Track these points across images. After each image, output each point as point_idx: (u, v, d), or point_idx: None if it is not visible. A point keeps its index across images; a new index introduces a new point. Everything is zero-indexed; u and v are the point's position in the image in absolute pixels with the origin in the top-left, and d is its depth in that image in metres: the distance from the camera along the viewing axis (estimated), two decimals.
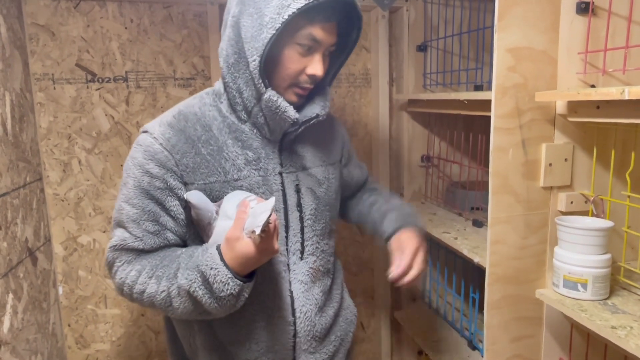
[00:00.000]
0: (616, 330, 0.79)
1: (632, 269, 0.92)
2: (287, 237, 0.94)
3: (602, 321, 0.82)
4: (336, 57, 0.97)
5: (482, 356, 1.35)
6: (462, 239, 1.29)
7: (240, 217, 0.79)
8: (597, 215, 0.98)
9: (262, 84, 0.84)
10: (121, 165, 1.54)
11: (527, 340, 1.06)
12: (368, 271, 1.84)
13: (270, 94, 0.85)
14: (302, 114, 0.92)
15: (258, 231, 0.74)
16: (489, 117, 1.00)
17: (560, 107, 0.96)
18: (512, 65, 0.94)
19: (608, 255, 0.90)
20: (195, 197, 0.84)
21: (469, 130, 1.59)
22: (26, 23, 1.40)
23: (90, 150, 1.51)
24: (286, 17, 0.79)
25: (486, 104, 1.17)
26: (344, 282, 1.14)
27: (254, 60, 0.82)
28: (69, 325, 1.56)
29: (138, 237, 0.86)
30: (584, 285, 0.90)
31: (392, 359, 1.88)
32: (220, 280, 0.78)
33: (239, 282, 0.79)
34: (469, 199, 1.54)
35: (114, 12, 1.48)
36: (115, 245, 0.87)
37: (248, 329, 0.94)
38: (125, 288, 0.87)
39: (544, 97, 0.92)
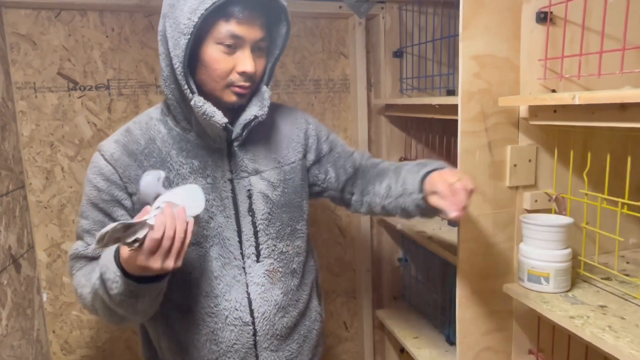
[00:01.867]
0: (574, 320, 0.84)
1: (592, 262, 0.98)
2: (240, 242, 0.97)
3: (562, 312, 0.87)
4: (272, 56, 0.97)
5: None
6: (437, 238, 1.34)
7: (134, 221, 0.76)
8: (560, 213, 1.04)
9: (189, 90, 0.86)
10: None
11: (498, 333, 1.11)
12: (350, 272, 1.88)
13: (195, 100, 0.86)
14: (241, 117, 0.93)
15: (127, 240, 0.73)
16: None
17: (523, 111, 1.02)
18: (477, 71, 1.00)
19: (569, 250, 0.95)
20: (143, 180, 0.83)
21: (443, 133, 1.64)
22: (7, 32, 1.42)
23: (72, 158, 1.53)
24: (196, 19, 0.81)
25: (453, 108, 1.22)
26: (315, 282, 1.15)
27: (177, 68, 0.84)
28: (53, 332, 1.57)
29: (90, 245, 0.93)
30: (547, 279, 0.95)
31: (375, 358, 1.93)
32: (109, 278, 0.81)
33: (128, 281, 0.79)
34: None
35: (95, 21, 1.50)
36: (72, 255, 0.95)
37: (206, 330, 0.97)
38: (77, 294, 0.93)
39: (507, 102, 0.98)
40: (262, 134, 1.01)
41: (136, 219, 0.76)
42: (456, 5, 1.57)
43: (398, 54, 1.70)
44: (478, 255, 1.06)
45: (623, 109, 0.76)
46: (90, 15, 1.49)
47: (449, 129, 1.65)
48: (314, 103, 1.76)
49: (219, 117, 0.87)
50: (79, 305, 1.59)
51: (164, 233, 0.75)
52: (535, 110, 0.97)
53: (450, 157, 1.53)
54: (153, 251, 0.75)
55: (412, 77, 1.68)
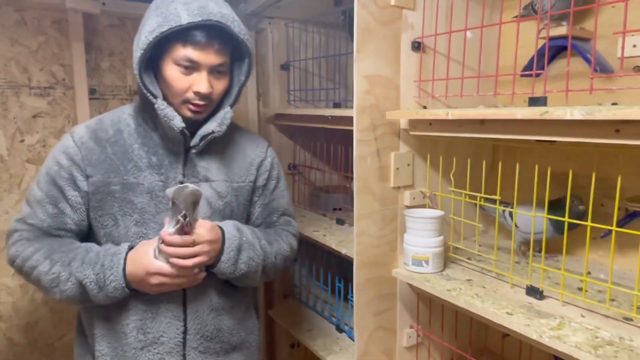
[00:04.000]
0: (451, 292, 1.04)
1: (458, 246, 1.21)
2: None
3: (440, 287, 1.07)
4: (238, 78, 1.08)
5: (349, 336, 1.56)
6: (329, 235, 1.49)
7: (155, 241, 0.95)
8: (432, 207, 1.26)
9: (151, 95, 0.97)
10: None
11: (386, 314, 1.29)
12: None
13: (159, 103, 0.97)
14: (200, 130, 1.04)
15: (189, 212, 0.90)
16: (347, 131, 1.20)
17: (403, 123, 1.22)
18: (368, 89, 1.16)
19: (441, 237, 1.17)
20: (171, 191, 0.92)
21: (329, 141, 1.81)
22: None
23: None
24: (152, 38, 0.92)
25: (346, 120, 1.39)
26: (253, 294, 1.23)
27: (136, 76, 0.95)
28: None
29: (39, 216, 1.00)
30: (427, 262, 1.15)
31: (267, 355, 2.00)
32: (115, 287, 0.95)
33: (127, 291, 0.96)
34: (331, 201, 1.76)
35: None
36: (20, 219, 1.02)
37: (137, 318, 1.01)
38: (17, 260, 0.98)
39: (392, 115, 1.16)
40: (220, 148, 1.10)
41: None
42: (336, 27, 1.75)
43: (285, 67, 1.82)
44: (370, 247, 1.23)
45: (482, 124, 0.98)
46: None
47: (336, 137, 1.83)
48: None
49: (177, 122, 0.97)
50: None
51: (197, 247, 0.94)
52: (415, 123, 1.17)
53: (336, 163, 1.70)
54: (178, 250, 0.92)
55: (300, 90, 1.81)
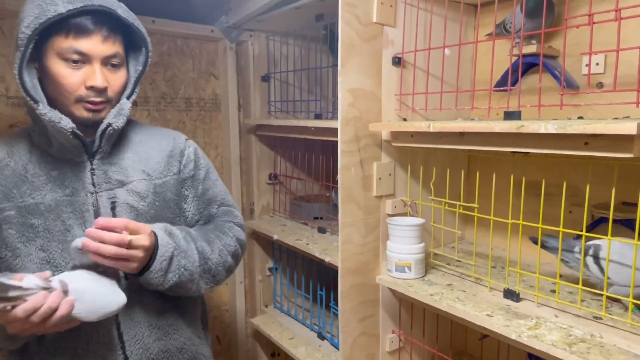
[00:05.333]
0: (433, 296, 1.09)
1: (438, 252, 1.26)
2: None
3: (423, 292, 1.12)
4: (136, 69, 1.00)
5: (331, 343, 1.59)
6: (312, 244, 1.52)
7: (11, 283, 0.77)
8: (413, 215, 1.31)
9: (32, 101, 0.86)
10: None
11: (370, 319, 1.33)
12: (223, 286, 1.93)
13: (40, 107, 0.86)
14: (99, 129, 0.93)
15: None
16: (328, 141, 1.23)
17: (385, 135, 1.26)
18: (351, 102, 1.20)
19: (423, 244, 1.21)
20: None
21: (310, 152, 1.84)
22: None
23: None
24: (29, 32, 0.83)
25: (328, 131, 1.43)
26: (199, 302, 1.14)
27: (16, 78, 0.85)
28: None
29: None
30: (409, 268, 1.20)
31: None
32: None
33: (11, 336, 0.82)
34: (312, 210, 1.79)
35: None
36: None
37: (71, 355, 0.91)
38: None
39: (375, 127, 1.21)
40: (130, 147, 1.02)
41: (17, 281, 0.75)
42: (316, 40, 1.79)
43: (266, 79, 1.85)
44: (354, 254, 1.26)
45: (462, 136, 1.04)
46: None
47: (317, 148, 1.87)
48: (185, 120, 1.79)
49: (65, 123, 0.87)
50: None
51: (29, 315, 0.75)
52: (397, 135, 1.22)
53: (317, 172, 1.73)
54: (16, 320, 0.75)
55: (281, 101, 1.85)
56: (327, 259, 1.41)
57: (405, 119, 1.29)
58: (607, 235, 0.88)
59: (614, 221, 1.07)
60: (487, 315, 0.98)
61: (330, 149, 1.74)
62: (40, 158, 0.93)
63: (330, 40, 1.62)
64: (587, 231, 1.04)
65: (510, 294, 1.05)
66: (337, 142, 1.20)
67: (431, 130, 1.04)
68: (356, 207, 1.25)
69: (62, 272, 0.86)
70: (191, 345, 1.06)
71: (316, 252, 1.45)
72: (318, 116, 1.62)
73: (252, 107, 1.84)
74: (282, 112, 1.85)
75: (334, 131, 1.23)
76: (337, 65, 1.18)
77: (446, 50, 1.24)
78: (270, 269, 1.94)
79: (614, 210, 0.89)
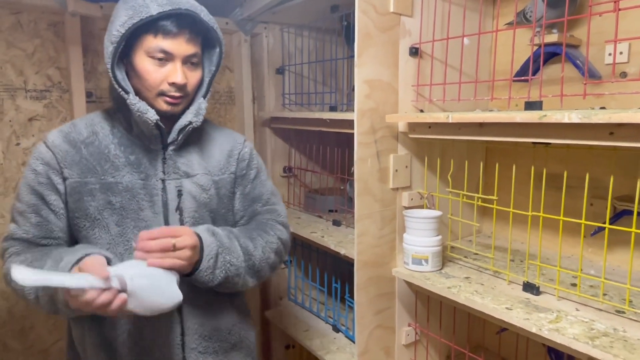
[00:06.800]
0: (451, 289, 1.08)
1: (455, 245, 1.25)
2: None
3: (441, 285, 1.11)
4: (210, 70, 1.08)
5: (346, 336, 1.59)
6: (327, 237, 1.51)
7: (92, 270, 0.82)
8: (430, 208, 1.29)
9: (123, 91, 0.96)
10: None
11: (386, 312, 1.32)
12: None
13: (130, 97, 0.96)
14: (177, 123, 1.03)
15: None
16: (343, 134, 1.22)
17: (402, 126, 1.25)
18: (368, 93, 1.19)
19: (440, 237, 1.20)
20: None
21: (325, 144, 1.84)
22: None
23: None
24: (123, 31, 0.92)
25: (343, 123, 1.42)
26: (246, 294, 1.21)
27: (108, 71, 0.95)
28: None
29: (23, 228, 0.98)
30: (426, 261, 1.19)
31: (262, 357, 2.02)
32: (60, 300, 0.87)
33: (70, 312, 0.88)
34: (327, 203, 1.78)
35: None
36: (7, 236, 1.00)
37: (133, 326, 0.99)
38: (8, 277, 0.92)
39: (392, 119, 1.19)
40: (197, 143, 1.10)
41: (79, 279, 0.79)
42: (331, 32, 1.78)
43: (280, 71, 1.85)
44: (370, 246, 1.26)
45: (481, 127, 1.02)
46: None
47: (332, 140, 1.86)
48: None
49: (151, 114, 0.96)
50: None
51: (84, 307, 0.81)
52: (414, 126, 1.20)
53: (332, 165, 1.73)
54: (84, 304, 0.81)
55: (295, 93, 1.84)
56: (342, 251, 1.40)
57: (422, 110, 1.28)
58: (629, 227, 0.86)
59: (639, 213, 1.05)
60: (507, 308, 0.96)
61: (345, 142, 1.73)
62: (120, 141, 1.02)
63: (346, 31, 1.61)
64: (610, 224, 1.02)
65: (530, 287, 1.03)
66: (352, 134, 1.19)
67: (450, 121, 1.02)
68: (372, 199, 1.24)
69: (132, 246, 0.93)
70: (240, 329, 1.14)
71: (331, 245, 1.45)
72: (333, 108, 1.61)
73: (267, 99, 1.84)
74: (297, 105, 1.84)
75: (349, 123, 1.22)
76: (352, 56, 1.16)
77: (465, 40, 1.21)
78: (284, 262, 1.94)
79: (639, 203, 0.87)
